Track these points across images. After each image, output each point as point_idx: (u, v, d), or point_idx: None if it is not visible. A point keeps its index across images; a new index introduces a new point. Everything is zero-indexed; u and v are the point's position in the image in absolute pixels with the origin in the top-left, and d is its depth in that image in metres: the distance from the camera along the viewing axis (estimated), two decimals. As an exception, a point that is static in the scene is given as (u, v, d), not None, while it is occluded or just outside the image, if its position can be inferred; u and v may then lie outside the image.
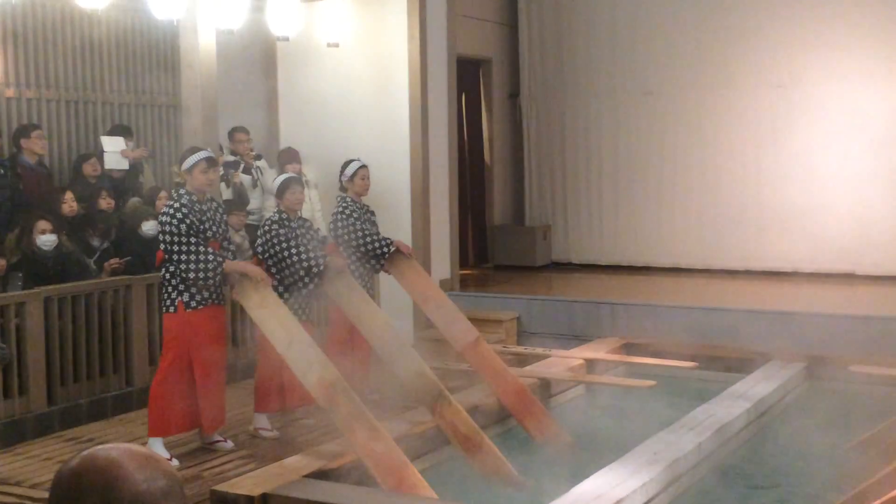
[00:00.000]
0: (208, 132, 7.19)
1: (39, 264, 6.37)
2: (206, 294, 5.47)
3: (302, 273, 5.83)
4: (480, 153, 11.73)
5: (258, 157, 8.62)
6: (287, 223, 6.01)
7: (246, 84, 9.25)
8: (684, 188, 10.75)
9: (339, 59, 9.28)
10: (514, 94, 11.90)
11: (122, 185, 7.66)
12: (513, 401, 6.19)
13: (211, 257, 5.38)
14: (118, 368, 6.59)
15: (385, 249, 6.39)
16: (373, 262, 6.45)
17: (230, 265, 5.46)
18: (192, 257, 5.37)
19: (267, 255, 5.94)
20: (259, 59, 9.51)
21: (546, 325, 8.81)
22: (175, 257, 5.39)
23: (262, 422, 5.97)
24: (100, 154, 7.59)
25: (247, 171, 8.33)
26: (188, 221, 5.38)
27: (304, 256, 5.83)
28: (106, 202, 7.25)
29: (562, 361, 7.54)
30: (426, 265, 8.95)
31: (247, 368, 7.06)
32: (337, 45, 9.07)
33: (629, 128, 11.05)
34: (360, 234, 6.40)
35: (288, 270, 5.86)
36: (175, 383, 5.45)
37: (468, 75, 11.25)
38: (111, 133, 7.87)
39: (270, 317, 5.39)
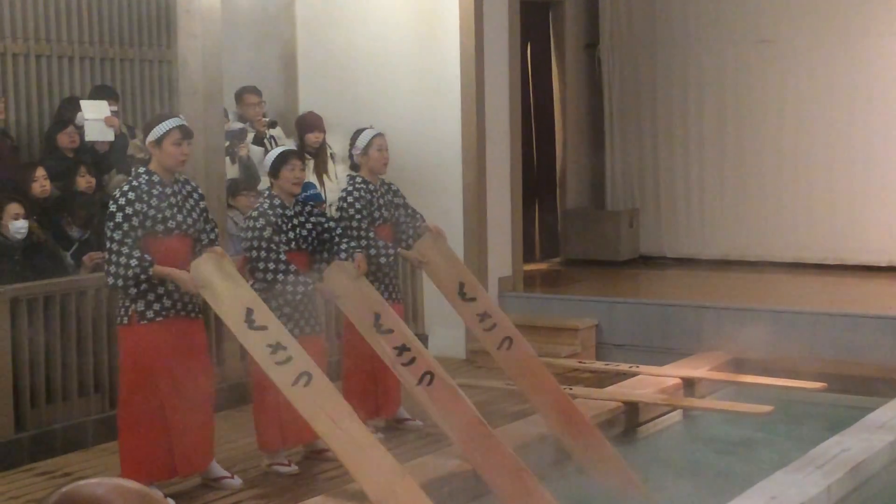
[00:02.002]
0: (210, 93, 7.23)
1: (5, 257, 6.45)
2: (167, 303, 5.40)
3: (289, 292, 5.84)
4: (550, 118, 11.70)
5: (272, 125, 8.68)
6: (282, 211, 5.98)
7: (258, 34, 9.31)
8: (809, 162, 10.61)
9: (373, 2, 9.30)
10: (591, 44, 11.85)
11: (105, 160, 7.75)
12: (559, 421, 6.27)
13: (134, 261, 5.24)
14: (100, 387, 6.63)
15: (389, 255, 6.42)
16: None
17: (159, 270, 5.31)
18: (113, 257, 5.28)
19: (253, 260, 5.90)
20: (274, 2, 9.56)
21: (633, 335, 8.78)
22: (106, 254, 5.37)
23: (276, 455, 6.02)
24: (79, 122, 7.68)
25: (258, 141, 8.38)
26: (130, 210, 5.29)
27: (291, 276, 5.81)
28: (86, 181, 7.34)
29: (653, 381, 7.54)
30: (482, 259, 8.96)
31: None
32: (370, -16, 9.10)
33: (739, 85, 10.94)
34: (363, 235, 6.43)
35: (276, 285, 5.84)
36: (141, 414, 5.40)
37: (535, 20, 11.23)
38: (91, 95, 7.95)
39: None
